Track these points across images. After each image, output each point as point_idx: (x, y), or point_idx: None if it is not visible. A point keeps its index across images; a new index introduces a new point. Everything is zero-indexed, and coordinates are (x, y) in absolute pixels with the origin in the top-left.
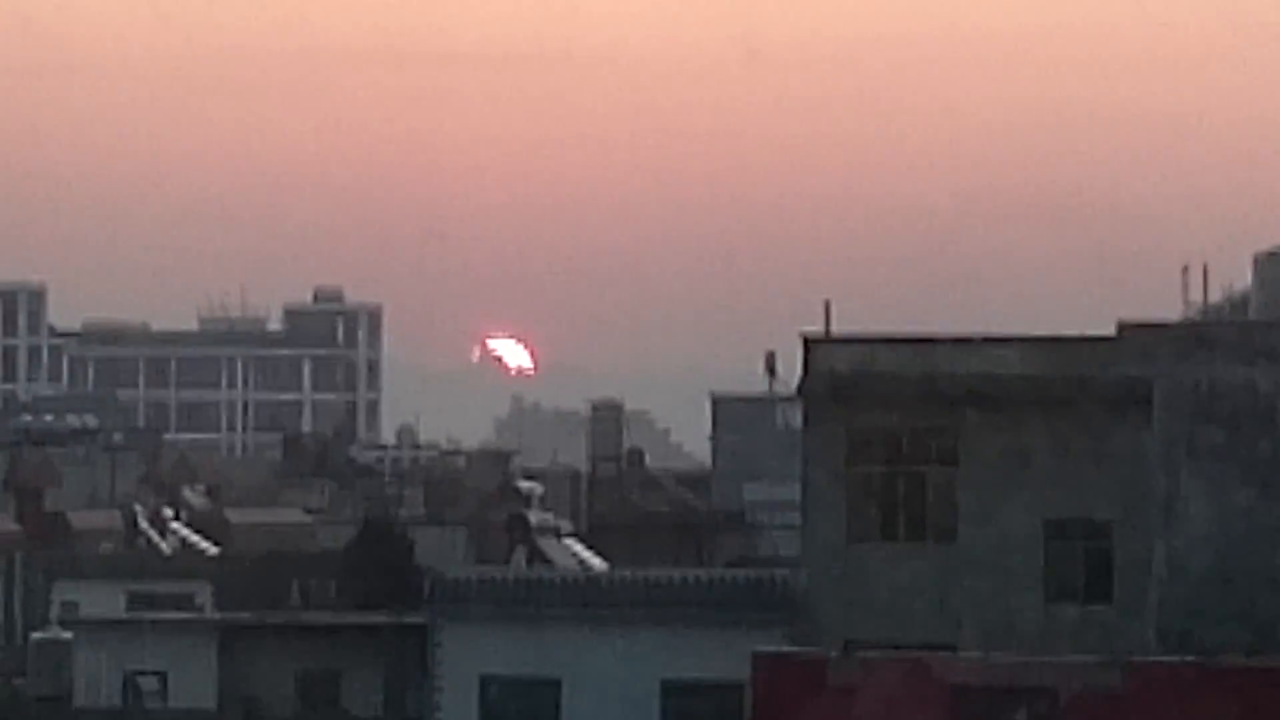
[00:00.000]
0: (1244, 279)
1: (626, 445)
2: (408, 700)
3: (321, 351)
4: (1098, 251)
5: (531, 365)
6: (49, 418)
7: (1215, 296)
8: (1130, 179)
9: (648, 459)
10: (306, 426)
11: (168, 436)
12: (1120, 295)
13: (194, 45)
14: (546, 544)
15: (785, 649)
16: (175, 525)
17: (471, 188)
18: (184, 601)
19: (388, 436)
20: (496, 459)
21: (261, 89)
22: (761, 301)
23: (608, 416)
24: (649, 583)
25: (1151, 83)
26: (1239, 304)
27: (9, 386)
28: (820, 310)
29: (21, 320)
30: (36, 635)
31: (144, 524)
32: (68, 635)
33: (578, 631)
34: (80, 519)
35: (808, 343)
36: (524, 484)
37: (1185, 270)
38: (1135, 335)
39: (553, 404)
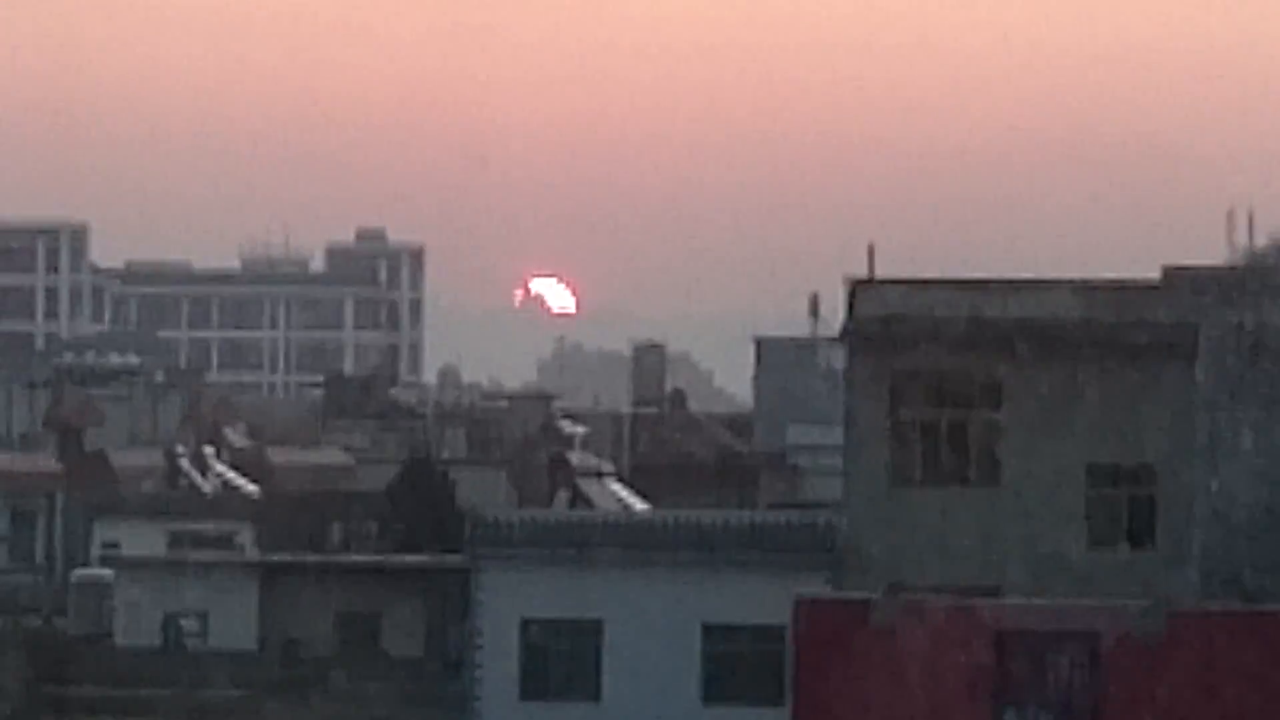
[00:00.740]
0: None
1: (669, 387)
2: (448, 641)
3: (364, 291)
4: (1144, 195)
5: (574, 307)
6: (91, 356)
7: (1261, 240)
8: (1176, 122)
9: (690, 401)
10: (348, 367)
11: (209, 376)
12: (1166, 239)
13: None
14: (588, 485)
15: (827, 592)
16: (216, 465)
17: (516, 128)
18: (225, 542)
19: (430, 377)
20: (539, 400)
21: (304, 27)
22: (806, 244)
23: (650, 358)
24: (691, 525)
25: (1200, 24)
26: None
27: (51, 325)
28: (864, 253)
29: (64, 259)
30: (77, 574)
31: (185, 464)
32: (108, 575)
33: (619, 573)
34: (121, 458)
35: (852, 285)
36: (566, 425)
37: (1231, 214)
38: (1181, 279)
39: (595, 346)
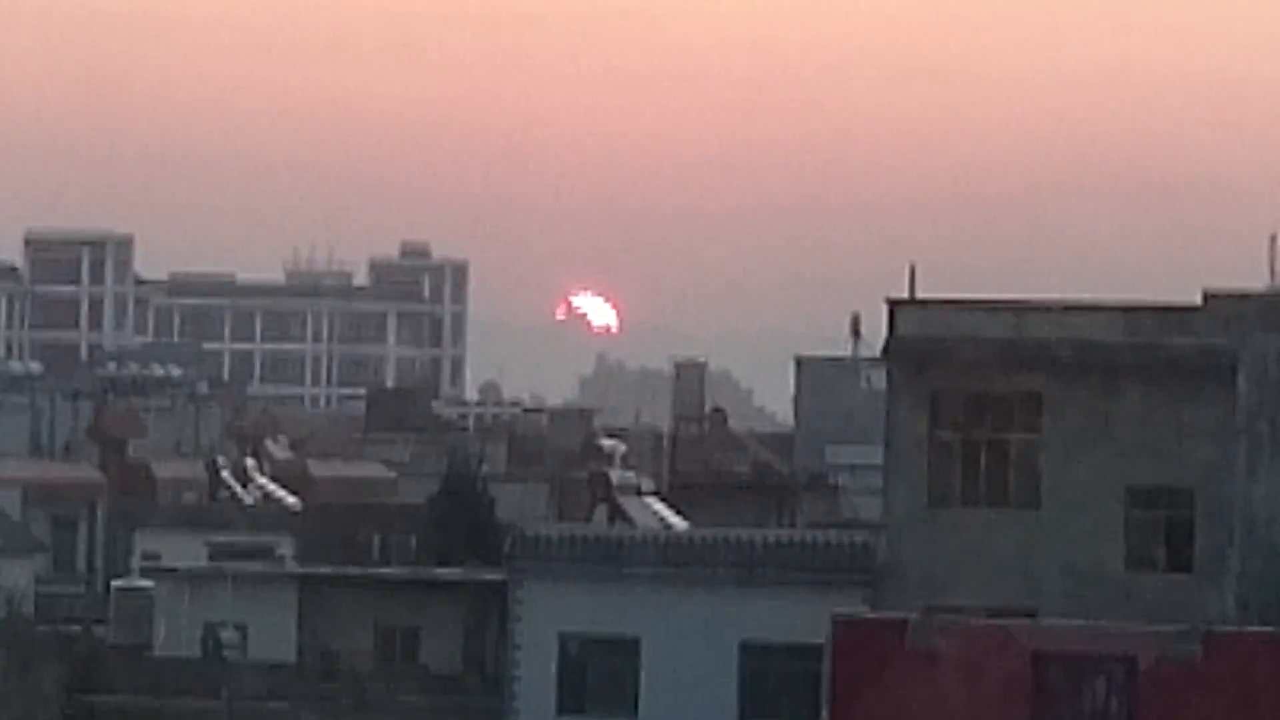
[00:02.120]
0: None
1: (709, 405)
2: (486, 656)
3: (407, 306)
4: (1184, 220)
5: (616, 324)
6: (134, 367)
7: None
8: (1218, 147)
9: (730, 419)
10: (390, 381)
11: (252, 388)
12: (1207, 264)
13: (284, 1)
14: (628, 502)
15: (865, 611)
16: (258, 477)
17: (559, 146)
18: (265, 553)
19: (471, 392)
20: (579, 417)
21: (352, 46)
22: (847, 264)
23: (691, 376)
24: (730, 543)
25: (1241, 50)
26: None
27: (95, 336)
28: (905, 273)
29: (108, 270)
30: (118, 584)
31: (226, 475)
32: (149, 585)
33: (658, 591)
34: (163, 469)
35: (893, 305)
36: (606, 442)
37: (1273, 239)
38: (1221, 303)
39: (637, 363)
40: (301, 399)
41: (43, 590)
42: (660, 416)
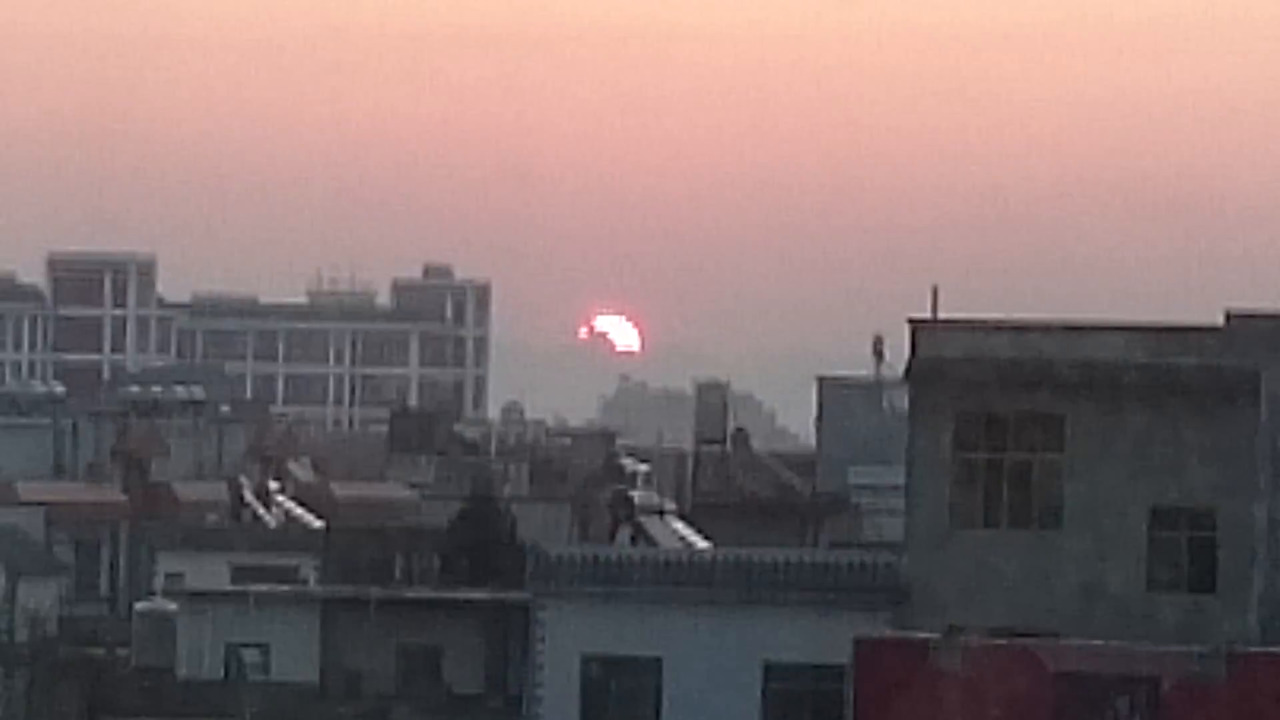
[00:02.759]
0: None
1: (732, 426)
2: (509, 677)
3: (429, 327)
4: (1208, 241)
5: (639, 345)
6: (157, 389)
7: None
8: (1241, 170)
9: (753, 440)
10: (413, 402)
11: (274, 409)
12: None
13: (305, 21)
14: (650, 524)
15: (888, 632)
16: (280, 498)
17: (581, 167)
18: (288, 575)
19: (494, 413)
20: (602, 438)
21: (375, 68)
22: (869, 285)
23: (713, 397)
24: (752, 564)
25: (1266, 72)
26: None
27: (118, 357)
28: (928, 294)
29: (131, 291)
30: (141, 606)
31: (249, 496)
32: (172, 606)
33: (680, 611)
34: (186, 490)
35: (915, 327)
36: (629, 463)
37: None
38: (1244, 325)
39: (659, 384)
40: (324, 420)
41: (66, 612)
42: (683, 437)
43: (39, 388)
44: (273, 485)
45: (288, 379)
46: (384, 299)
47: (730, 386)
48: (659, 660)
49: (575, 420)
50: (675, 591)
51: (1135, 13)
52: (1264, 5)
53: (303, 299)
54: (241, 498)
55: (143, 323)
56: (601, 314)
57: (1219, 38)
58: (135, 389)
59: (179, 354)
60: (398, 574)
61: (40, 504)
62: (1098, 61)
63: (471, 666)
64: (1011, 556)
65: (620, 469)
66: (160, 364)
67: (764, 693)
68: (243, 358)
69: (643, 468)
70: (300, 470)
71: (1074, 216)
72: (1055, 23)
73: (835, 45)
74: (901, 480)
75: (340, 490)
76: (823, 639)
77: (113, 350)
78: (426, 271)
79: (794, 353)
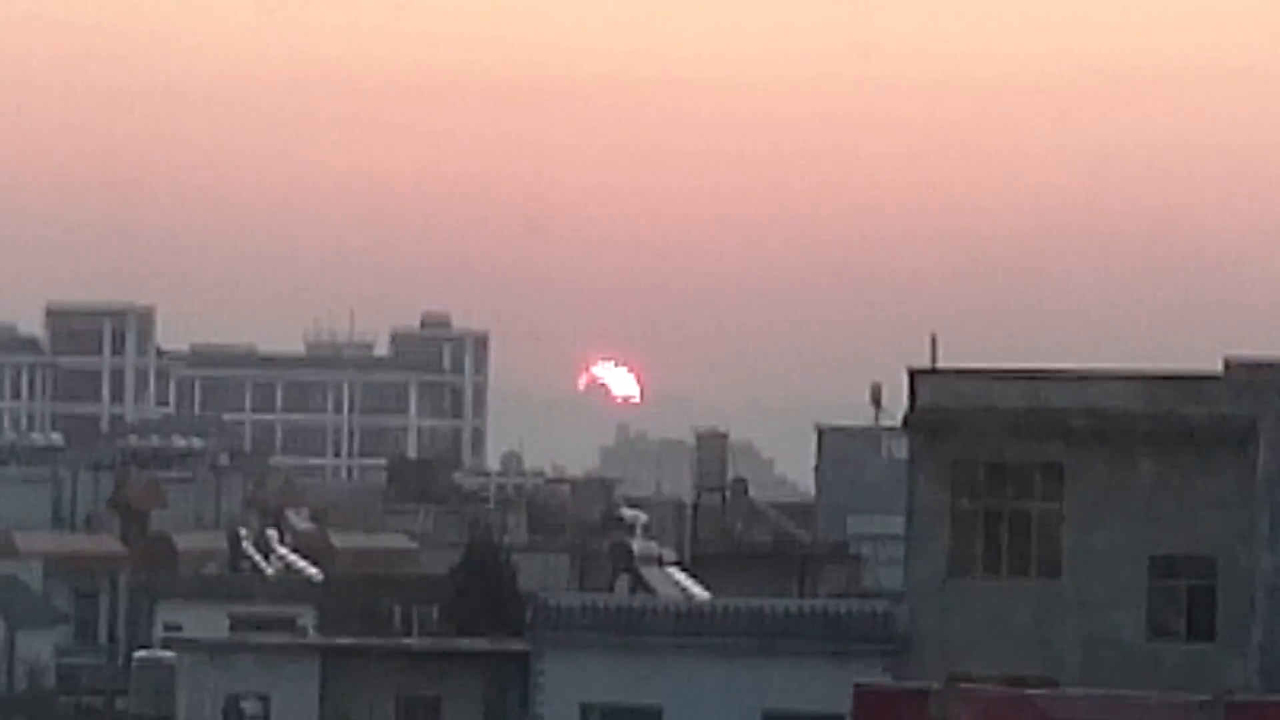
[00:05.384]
0: None
1: (731, 475)
2: None
3: (428, 377)
4: (1205, 289)
5: (637, 394)
6: (155, 439)
7: None
8: (1238, 215)
9: (752, 489)
10: (412, 451)
11: (273, 459)
12: (1227, 333)
13: (301, 74)
14: (650, 572)
15: (887, 681)
16: (279, 548)
17: (579, 216)
18: (287, 624)
19: (493, 463)
20: (601, 487)
21: (372, 120)
22: (868, 334)
23: (713, 446)
24: (752, 613)
25: (1261, 118)
26: None
27: (116, 408)
28: (926, 343)
29: (129, 342)
30: (139, 656)
31: (248, 546)
32: (170, 656)
33: (680, 660)
34: (185, 540)
35: (914, 375)
36: (628, 512)
37: None
38: (1242, 372)
39: (658, 433)
40: (323, 470)
41: (64, 661)
42: (682, 487)
43: (38, 438)
44: (271, 535)
45: (286, 429)
46: (382, 349)
47: (729, 436)
48: (659, 709)
49: (574, 469)
50: (675, 641)
51: (1140, 64)
52: (1263, 55)
53: (301, 349)
54: (240, 548)
55: (141, 373)
56: (600, 363)
57: (1220, 87)
58: (134, 439)
59: (178, 404)
60: (397, 623)
61: (39, 554)
62: (1094, 113)
63: (471, 715)
64: (1010, 605)
65: (619, 518)
66: (159, 414)
67: None
68: (241, 408)
69: (642, 517)
70: (299, 520)
71: (1072, 265)
72: (1060, 75)
73: (832, 100)
74: (901, 529)
75: (339, 540)
76: (822, 688)
77: (111, 401)
78: (424, 321)
79: (793, 402)
